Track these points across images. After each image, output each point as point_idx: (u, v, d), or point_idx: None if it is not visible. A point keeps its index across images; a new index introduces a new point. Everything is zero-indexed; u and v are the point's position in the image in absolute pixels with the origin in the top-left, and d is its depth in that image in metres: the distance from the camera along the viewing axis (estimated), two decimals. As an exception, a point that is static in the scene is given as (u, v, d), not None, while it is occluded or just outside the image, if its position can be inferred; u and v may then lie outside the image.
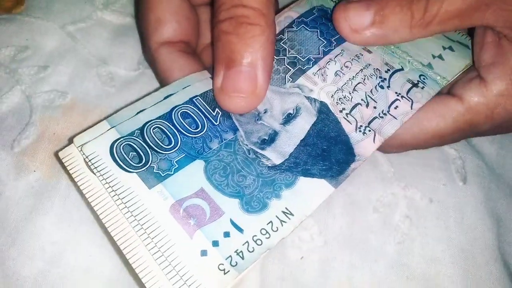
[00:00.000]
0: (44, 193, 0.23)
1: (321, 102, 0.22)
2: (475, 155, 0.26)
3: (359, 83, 0.22)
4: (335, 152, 0.21)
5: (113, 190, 0.19)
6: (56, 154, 0.22)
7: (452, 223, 0.24)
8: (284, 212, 0.19)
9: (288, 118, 0.21)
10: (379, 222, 0.24)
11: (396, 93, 0.22)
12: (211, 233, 0.18)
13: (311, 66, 0.23)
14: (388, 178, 0.25)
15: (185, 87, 0.21)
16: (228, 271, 0.18)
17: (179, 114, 0.21)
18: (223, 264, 0.18)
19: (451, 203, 0.24)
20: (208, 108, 0.21)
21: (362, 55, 0.23)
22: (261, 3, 0.20)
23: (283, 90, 0.22)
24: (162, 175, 0.19)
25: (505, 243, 0.24)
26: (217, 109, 0.21)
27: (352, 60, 0.23)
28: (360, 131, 0.21)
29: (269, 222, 0.19)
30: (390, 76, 0.23)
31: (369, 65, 0.23)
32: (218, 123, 0.21)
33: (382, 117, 0.21)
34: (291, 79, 0.22)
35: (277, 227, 0.19)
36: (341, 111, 0.22)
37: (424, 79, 0.22)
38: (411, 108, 0.22)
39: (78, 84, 0.27)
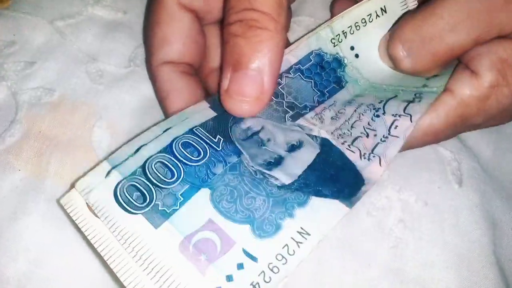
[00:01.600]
0: (29, 193, 0.23)
1: (322, 138, 0.22)
2: (471, 157, 0.26)
3: (355, 121, 0.23)
4: (344, 176, 0.20)
5: (119, 234, 0.18)
6: (58, 201, 0.22)
7: (447, 227, 0.23)
8: (299, 232, 0.18)
9: (293, 148, 0.21)
10: (373, 226, 0.23)
11: (393, 115, 0.22)
12: (224, 267, 0.18)
13: (308, 111, 0.23)
14: (383, 181, 0.24)
15: (184, 120, 0.21)
16: None
17: (179, 144, 0.20)
18: None
19: (446, 206, 0.24)
20: (209, 135, 0.21)
21: (354, 100, 0.24)
22: (272, 8, 0.20)
23: (284, 126, 0.22)
24: (168, 211, 0.19)
25: (501, 247, 0.24)
26: (218, 136, 0.21)
27: (345, 107, 0.23)
28: (365, 158, 0.21)
29: (285, 246, 0.18)
30: (384, 104, 0.23)
31: (362, 103, 0.23)
32: (220, 148, 0.21)
33: (384, 141, 0.21)
34: (290, 119, 0.23)
35: (293, 250, 0.18)
36: (343, 144, 0.22)
37: (420, 95, 0.22)
38: (411, 121, 0.21)
39: (66, 81, 0.26)
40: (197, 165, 0.20)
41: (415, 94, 0.22)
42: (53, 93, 0.26)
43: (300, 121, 0.23)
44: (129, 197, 0.19)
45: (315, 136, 0.22)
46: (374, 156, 0.21)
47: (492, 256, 0.23)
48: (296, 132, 0.22)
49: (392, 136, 0.21)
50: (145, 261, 0.17)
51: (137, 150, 0.20)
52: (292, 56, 0.24)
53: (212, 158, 0.20)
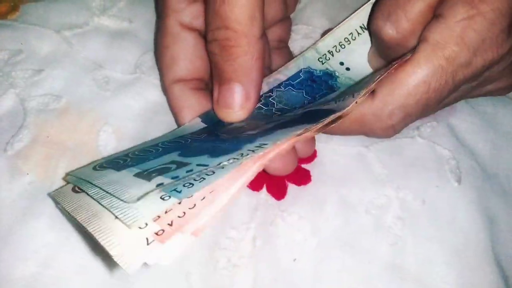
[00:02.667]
0: (38, 196, 0.23)
1: (304, 111, 0.24)
2: (469, 155, 0.26)
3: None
4: (321, 115, 0.21)
5: (88, 186, 0.19)
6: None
7: (445, 224, 0.24)
8: (257, 146, 0.19)
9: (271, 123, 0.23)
10: (372, 224, 0.24)
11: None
12: (172, 174, 0.18)
13: (298, 111, 0.24)
14: (381, 179, 0.25)
15: (175, 134, 0.23)
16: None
17: (166, 143, 0.23)
18: (178, 189, 0.17)
19: (445, 204, 0.24)
20: (194, 135, 0.23)
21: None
22: (242, 24, 0.21)
23: (270, 120, 0.24)
24: (135, 163, 0.20)
25: (499, 244, 0.24)
26: (203, 134, 0.23)
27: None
28: (339, 100, 0.22)
29: (239, 154, 0.19)
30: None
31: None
32: (201, 137, 0.23)
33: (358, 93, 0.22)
34: (279, 113, 0.25)
35: (247, 154, 0.18)
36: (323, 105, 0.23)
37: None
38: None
39: (73, 88, 0.27)
40: (174, 143, 0.22)
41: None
42: (60, 99, 0.26)
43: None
44: (105, 163, 0.21)
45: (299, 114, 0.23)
46: (348, 96, 0.22)
47: (490, 252, 0.23)
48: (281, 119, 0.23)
49: (366, 83, 0.22)
50: (100, 193, 0.18)
51: (125, 156, 0.22)
52: (282, 75, 0.26)
53: (189, 139, 0.22)
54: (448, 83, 0.21)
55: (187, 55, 0.24)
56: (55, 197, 0.21)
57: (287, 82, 0.26)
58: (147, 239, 0.16)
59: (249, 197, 0.24)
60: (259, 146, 0.19)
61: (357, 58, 0.26)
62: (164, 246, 0.16)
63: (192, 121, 0.24)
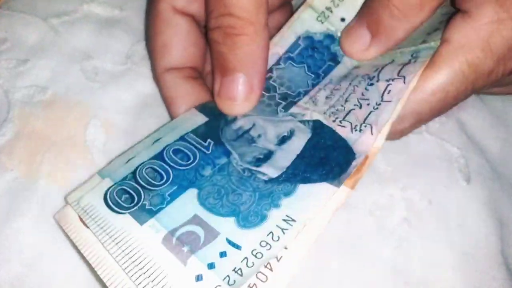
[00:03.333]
0: (22, 193, 0.22)
1: (314, 120, 0.22)
2: (478, 153, 0.25)
3: (350, 94, 0.22)
4: (334, 156, 0.20)
5: (107, 234, 0.18)
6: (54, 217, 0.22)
7: (454, 226, 0.23)
8: (284, 220, 0.18)
9: (283, 140, 0.21)
10: (376, 226, 0.23)
11: (386, 80, 0.21)
12: (206, 256, 0.18)
13: (301, 97, 0.23)
14: (385, 178, 0.24)
15: (175, 129, 0.22)
16: None
17: (170, 151, 0.21)
18: (220, 286, 0.17)
19: (453, 204, 0.23)
20: (200, 140, 0.21)
21: (350, 73, 0.23)
22: (248, 12, 0.20)
23: (276, 119, 0.22)
24: (154, 210, 0.19)
25: (508, 247, 0.23)
26: (208, 140, 0.21)
27: (340, 82, 0.23)
28: (356, 130, 0.20)
29: (269, 233, 0.18)
30: (379, 72, 0.22)
31: (357, 76, 0.22)
32: (210, 151, 0.21)
33: (376, 108, 0.20)
34: (283, 110, 0.23)
35: (278, 237, 0.18)
36: (334, 121, 0.21)
37: (417, 54, 0.21)
38: (404, 83, 0.20)
39: (60, 79, 0.26)
40: (186, 169, 0.20)
41: (411, 55, 0.21)
42: (47, 91, 0.25)
43: (293, 109, 0.23)
44: (118, 199, 0.19)
45: (307, 121, 0.22)
46: (365, 126, 0.20)
47: (499, 255, 0.23)
48: (287, 122, 0.22)
49: (384, 101, 0.20)
50: (127, 255, 0.18)
51: (129, 160, 0.20)
52: (279, 47, 0.24)
53: (201, 162, 0.21)
54: (468, 89, 0.20)
55: (180, 42, 0.23)
56: (60, 224, 0.20)
57: (286, 55, 0.24)
58: None
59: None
60: (288, 222, 0.18)
61: (358, 10, 0.24)
62: None
63: (189, 112, 0.23)
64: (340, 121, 0.21)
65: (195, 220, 0.19)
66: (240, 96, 0.21)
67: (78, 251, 0.19)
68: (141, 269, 0.17)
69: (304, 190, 0.19)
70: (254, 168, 0.20)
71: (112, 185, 0.20)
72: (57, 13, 0.28)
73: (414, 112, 0.20)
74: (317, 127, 0.22)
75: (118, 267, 0.17)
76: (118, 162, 0.21)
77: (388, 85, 0.21)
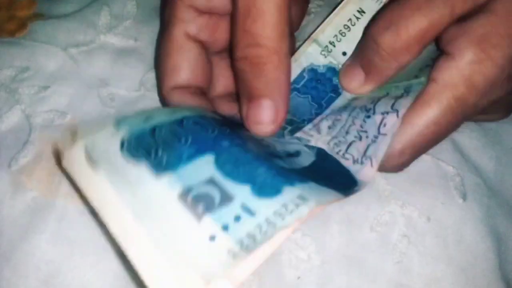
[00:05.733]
0: (40, 212, 0.23)
1: (318, 148, 0.23)
2: (473, 171, 0.26)
3: (350, 126, 0.23)
4: (339, 178, 0.21)
5: (120, 180, 0.18)
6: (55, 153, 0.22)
7: (452, 242, 0.23)
8: (299, 197, 0.18)
9: (290, 155, 0.22)
10: (377, 241, 0.23)
11: (382, 113, 0.22)
12: (221, 218, 0.17)
13: (306, 124, 0.25)
14: (385, 196, 0.24)
15: (195, 109, 0.22)
16: (237, 254, 0.16)
17: (190, 122, 0.21)
18: (233, 248, 0.17)
19: (450, 221, 0.24)
20: (218, 121, 0.22)
21: (349, 104, 0.24)
22: (274, 41, 0.21)
23: (283, 140, 0.23)
24: (171, 166, 0.18)
25: (507, 263, 0.24)
26: (226, 127, 0.22)
27: (341, 113, 0.24)
28: (357, 163, 0.21)
29: (283, 205, 0.18)
30: (375, 104, 0.23)
31: (355, 107, 0.24)
32: (228, 132, 0.21)
33: (374, 141, 0.22)
34: (289, 134, 0.24)
35: (291, 210, 0.18)
36: (337, 153, 0.22)
37: (409, 88, 0.22)
38: (397, 117, 0.21)
39: (78, 105, 0.27)
40: (205, 136, 0.20)
41: (404, 89, 0.23)
42: (66, 116, 0.26)
43: (299, 134, 0.24)
44: (134, 149, 0.19)
45: (312, 147, 0.23)
46: (366, 159, 0.21)
47: (498, 271, 0.23)
48: (294, 144, 0.23)
49: (381, 134, 0.21)
50: (142, 204, 0.17)
51: (147, 118, 0.20)
52: None
53: (220, 135, 0.20)
54: (458, 120, 0.21)
55: (189, 65, 0.25)
56: (65, 165, 0.18)
57: (292, 86, 0.26)
58: None
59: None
60: (300, 198, 0.18)
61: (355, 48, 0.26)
62: None
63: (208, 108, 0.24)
64: (343, 154, 0.22)
65: (211, 182, 0.18)
66: (266, 119, 0.22)
67: (81, 196, 0.19)
68: (154, 222, 0.17)
69: (316, 185, 0.19)
70: (271, 152, 0.21)
71: (129, 136, 0.19)
72: (75, 43, 0.29)
73: (412, 145, 0.21)
74: (321, 154, 0.23)
75: (131, 216, 0.17)
76: (135, 118, 0.20)
77: (383, 118, 0.22)
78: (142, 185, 0.18)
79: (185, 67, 0.24)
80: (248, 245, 0.17)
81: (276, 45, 0.21)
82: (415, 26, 0.21)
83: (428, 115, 0.21)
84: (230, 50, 0.24)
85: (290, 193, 0.18)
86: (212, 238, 0.17)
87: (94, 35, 0.30)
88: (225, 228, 0.17)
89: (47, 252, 0.22)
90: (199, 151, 0.19)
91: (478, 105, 0.21)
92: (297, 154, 0.22)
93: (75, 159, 0.18)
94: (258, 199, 0.18)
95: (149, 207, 0.17)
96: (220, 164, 0.19)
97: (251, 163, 0.19)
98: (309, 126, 0.24)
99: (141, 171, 0.18)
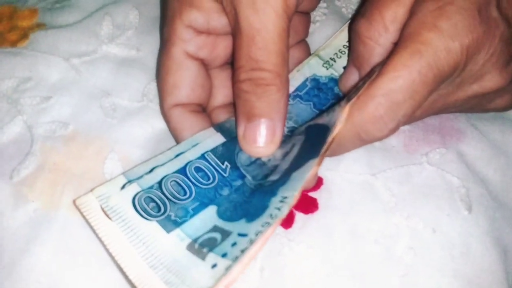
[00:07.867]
0: (42, 224, 0.23)
1: (307, 126, 0.25)
2: (479, 183, 0.26)
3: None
4: (318, 141, 0.22)
5: (134, 235, 0.20)
6: (73, 202, 0.23)
7: (457, 254, 0.23)
8: (281, 201, 0.21)
9: (286, 154, 0.24)
10: (382, 254, 0.23)
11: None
12: (221, 250, 0.20)
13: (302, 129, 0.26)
14: (390, 208, 0.24)
15: (196, 145, 0.24)
16: (230, 266, 0.19)
17: (192, 168, 0.23)
18: (230, 265, 0.19)
19: (456, 233, 0.24)
20: (218, 162, 0.24)
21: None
22: (276, 66, 0.22)
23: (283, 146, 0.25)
24: (180, 221, 0.21)
25: None
26: (226, 162, 0.24)
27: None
28: (330, 112, 0.23)
29: (269, 215, 0.21)
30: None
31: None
32: (227, 174, 0.24)
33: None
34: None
35: (276, 215, 0.20)
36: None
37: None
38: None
39: (80, 115, 0.27)
40: (207, 188, 0.23)
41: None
42: (68, 126, 0.26)
43: None
44: (145, 206, 0.21)
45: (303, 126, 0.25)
46: (339, 106, 0.23)
47: (504, 283, 0.23)
48: (291, 142, 0.24)
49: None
50: (154, 255, 0.20)
51: (152, 169, 0.23)
52: (289, 86, 0.26)
53: (220, 183, 0.23)
54: (431, 66, 0.21)
55: (189, 83, 0.25)
56: (82, 210, 0.21)
57: (295, 93, 0.27)
58: None
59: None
60: (282, 201, 0.21)
61: None
62: None
63: (208, 130, 0.25)
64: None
65: (215, 229, 0.21)
66: (264, 139, 0.23)
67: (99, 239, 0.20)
68: (167, 267, 0.20)
69: (294, 175, 0.22)
70: (263, 181, 0.23)
71: (139, 191, 0.22)
72: (78, 54, 0.29)
73: (385, 93, 0.21)
74: (308, 127, 0.25)
75: (144, 264, 0.20)
76: (142, 168, 0.23)
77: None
78: (155, 241, 0.20)
79: (185, 85, 0.25)
80: (237, 256, 0.19)
81: (279, 69, 0.22)
82: (389, 12, 0.23)
83: (396, 61, 0.21)
84: (231, 63, 0.24)
85: (274, 203, 0.21)
86: (214, 265, 0.20)
87: (96, 45, 0.30)
88: (224, 255, 0.20)
89: (48, 264, 0.22)
90: (202, 205, 0.22)
91: (451, 50, 0.21)
92: (292, 147, 0.24)
93: (91, 208, 0.21)
94: (251, 223, 0.21)
95: (161, 257, 0.20)
96: (221, 213, 0.22)
97: (248, 201, 0.22)
98: (303, 128, 0.25)
99: (153, 229, 0.21)
